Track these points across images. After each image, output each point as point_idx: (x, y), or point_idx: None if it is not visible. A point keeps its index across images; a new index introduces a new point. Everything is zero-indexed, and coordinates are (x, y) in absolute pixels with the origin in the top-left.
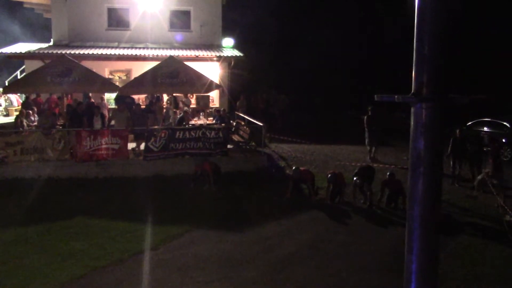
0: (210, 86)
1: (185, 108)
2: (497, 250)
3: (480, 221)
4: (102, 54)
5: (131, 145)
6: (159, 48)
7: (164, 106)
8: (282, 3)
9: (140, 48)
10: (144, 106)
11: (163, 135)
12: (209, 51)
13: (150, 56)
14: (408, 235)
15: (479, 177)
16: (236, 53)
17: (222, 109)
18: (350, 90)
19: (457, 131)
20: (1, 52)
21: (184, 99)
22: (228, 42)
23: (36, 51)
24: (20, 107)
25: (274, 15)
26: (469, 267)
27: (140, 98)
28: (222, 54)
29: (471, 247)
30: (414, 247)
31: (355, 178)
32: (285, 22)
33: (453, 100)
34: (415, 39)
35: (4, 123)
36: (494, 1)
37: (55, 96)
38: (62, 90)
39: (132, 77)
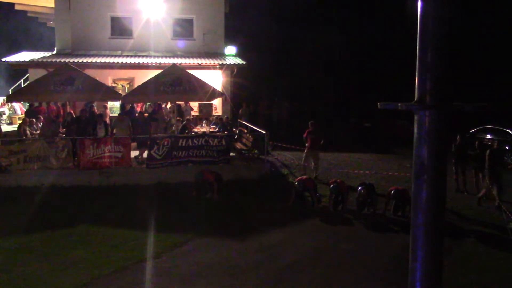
0: (213, 94)
1: (187, 116)
2: (501, 258)
3: (484, 228)
4: (105, 62)
5: (134, 153)
6: (162, 57)
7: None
8: (285, 11)
9: (143, 56)
10: (147, 114)
11: (166, 143)
12: (212, 59)
13: (153, 64)
14: (412, 243)
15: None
16: (239, 61)
17: (225, 116)
18: (354, 97)
19: (458, 137)
20: (5, 61)
21: (185, 107)
22: (230, 50)
23: (40, 60)
24: (23, 115)
25: (277, 22)
26: (473, 274)
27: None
28: (224, 62)
29: (475, 254)
30: (418, 255)
31: (359, 190)
32: (287, 29)
33: (457, 107)
34: (418, 46)
35: (8, 132)
36: (498, 8)
37: (59, 105)
38: (65, 98)
39: (135, 85)
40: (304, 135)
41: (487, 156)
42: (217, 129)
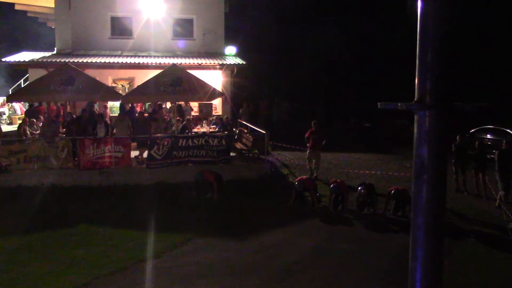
0: (213, 94)
1: (187, 116)
2: (501, 258)
3: (484, 228)
4: (105, 62)
5: (134, 153)
6: (162, 56)
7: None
8: (285, 11)
9: (143, 56)
10: (147, 114)
11: (166, 143)
12: (212, 59)
13: (153, 64)
14: (412, 243)
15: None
16: (239, 61)
17: (225, 116)
18: (354, 97)
19: (458, 137)
20: (5, 61)
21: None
22: (230, 50)
23: (40, 60)
24: (23, 115)
25: (277, 22)
26: (473, 275)
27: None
28: (224, 62)
29: (475, 254)
30: (418, 255)
31: (359, 190)
32: (287, 29)
33: (457, 107)
34: (417, 46)
35: (8, 132)
36: (498, 8)
37: (58, 105)
38: (66, 98)
39: (135, 85)
40: (306, 135)
41: (496, 157)
42: (217, 129)
